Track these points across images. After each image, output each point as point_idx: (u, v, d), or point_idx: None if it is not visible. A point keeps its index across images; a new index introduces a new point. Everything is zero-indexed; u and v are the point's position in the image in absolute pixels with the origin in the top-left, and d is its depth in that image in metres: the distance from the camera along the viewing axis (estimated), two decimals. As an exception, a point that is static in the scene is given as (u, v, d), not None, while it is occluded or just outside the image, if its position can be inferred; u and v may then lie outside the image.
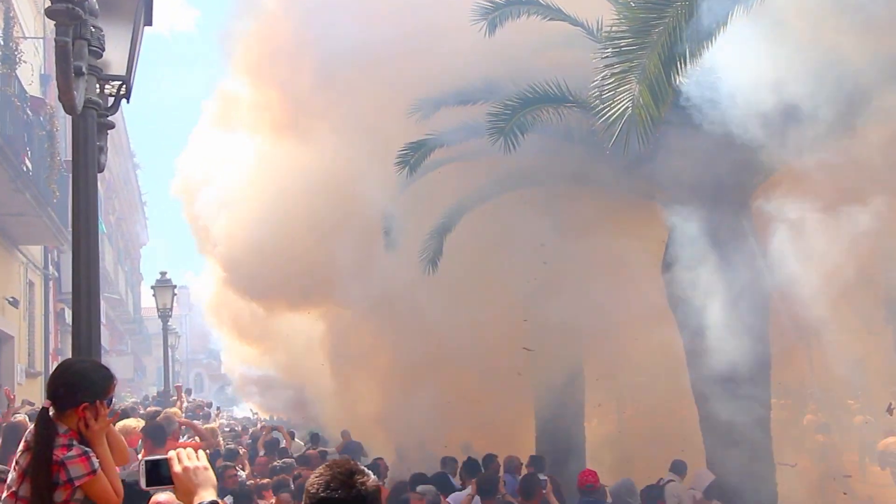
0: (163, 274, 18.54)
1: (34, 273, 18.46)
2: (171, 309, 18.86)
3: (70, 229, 15.60)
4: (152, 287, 18.67)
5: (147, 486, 2.80)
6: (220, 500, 2.66)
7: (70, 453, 3.79)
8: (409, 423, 16.98)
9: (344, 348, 19.64)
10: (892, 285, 15.08)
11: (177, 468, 2.64)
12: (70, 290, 16.86)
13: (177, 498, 2.74)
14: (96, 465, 3.83)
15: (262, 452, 13.19)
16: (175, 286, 18.47)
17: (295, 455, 12.39)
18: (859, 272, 15.03)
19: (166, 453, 2.76)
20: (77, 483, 3.77)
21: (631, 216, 15.19)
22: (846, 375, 24.20)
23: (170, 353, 21.66)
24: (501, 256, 15.20)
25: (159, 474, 2.72)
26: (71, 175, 15.13)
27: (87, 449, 3.86)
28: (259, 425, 21.79)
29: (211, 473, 2.71)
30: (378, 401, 18.91)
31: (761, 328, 13.13)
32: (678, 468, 12.65)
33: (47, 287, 19.75)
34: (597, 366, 18.01)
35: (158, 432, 8.26)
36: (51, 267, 19.92)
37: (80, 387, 3.96)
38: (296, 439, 14.90)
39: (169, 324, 19.56)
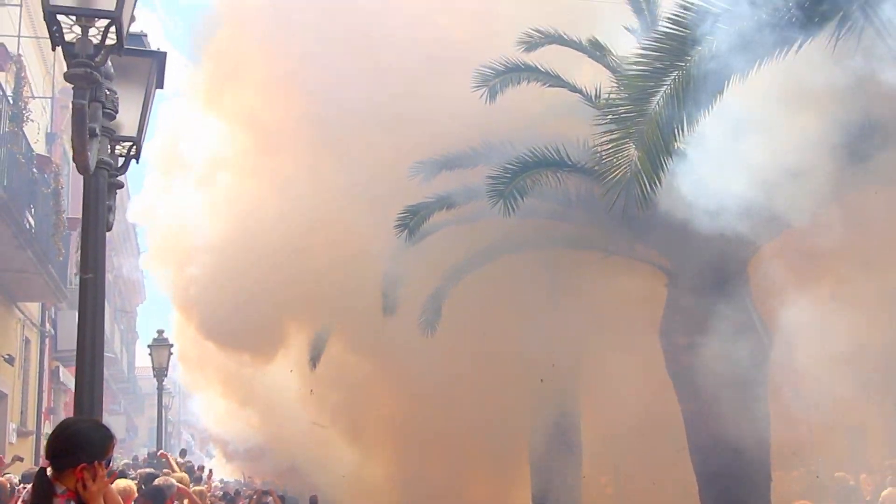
0: (160, 332, 18.48)
1: (31, 330, 18.39)
2: (166, 368, 18.74)
3: (69, 287, 15.60)
4: (148, 346, 18.58)
5: None
6: None
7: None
8: (406, 487, 16.77)
9: (340, 413, 19.47)
10: (890, 353, 15.12)
11: None
12: (66, 348, 16.79)
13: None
14: None
15: (254, 517, 13.00)
16: (171, 345, 18.38)
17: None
18: (859, 340, 15.11)
19: None
20: None
21: (630, 281, 15.25)
22: (847, 444, 24.12)
23: (163, 414, 21.47)
24: (500, 320, 15.21)
25: None
26: (72, 233, 15.18)
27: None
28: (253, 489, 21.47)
29: None
30: (374, 465, 18.68)
31: (761, 398, 13.09)
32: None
33: (43, 345, 19.66)
34: (595, 429, 17.89)
35: (159, 495, 8.24)
36: (47, 324, 19.86)
37: (79, 447, 3.93)
38: None
39: (164, 383, 19.43)
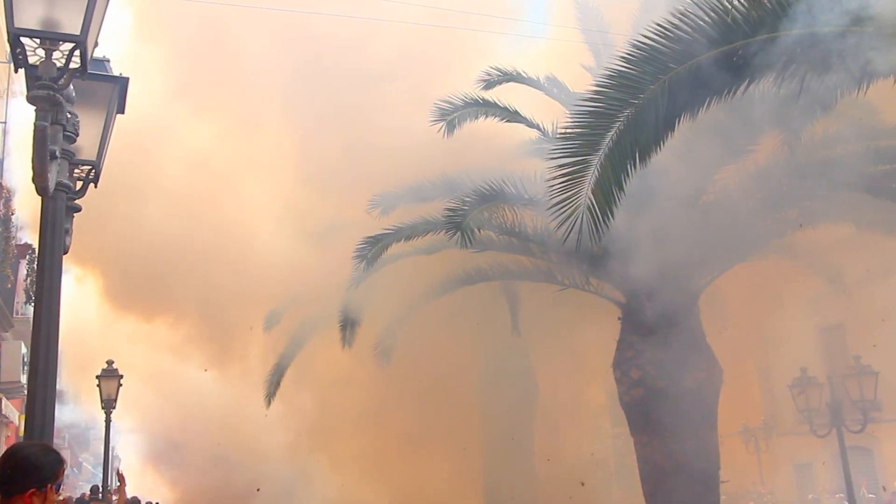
0: (109, 363, 18.06)
1: (-27, 359, 17.90)
2: (115, 400, 18.27)
3: (15, 316, 15.25)
4: (97, 376, 18.11)
5: None
6: None
7: None
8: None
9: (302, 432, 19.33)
10: (836, 387, 15.51)
11: None
12: (9, 379, 16.34)
13: None
14: None
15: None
16: (121, 376, 17.96)
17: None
18: (805, 372, 15.51)
19: None
20: None
21: (585, 313, 15.46)
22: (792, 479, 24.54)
23: (111, 447, 20.92)
24: (457, 349, 15.30)
25: None
26: (21, 260, 14.86)
27: None
28: None
29: None
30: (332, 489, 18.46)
31: (711, 429, 13.28)
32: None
33: (-15, 375, 19.11)
34: (548, 462, 17.99)
35: None
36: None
37: (28, 472, 3.86)
38: None
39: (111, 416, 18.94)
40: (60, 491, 4.14)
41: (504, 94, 14.13)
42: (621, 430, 22.46)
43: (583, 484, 16.32)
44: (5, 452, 4.17)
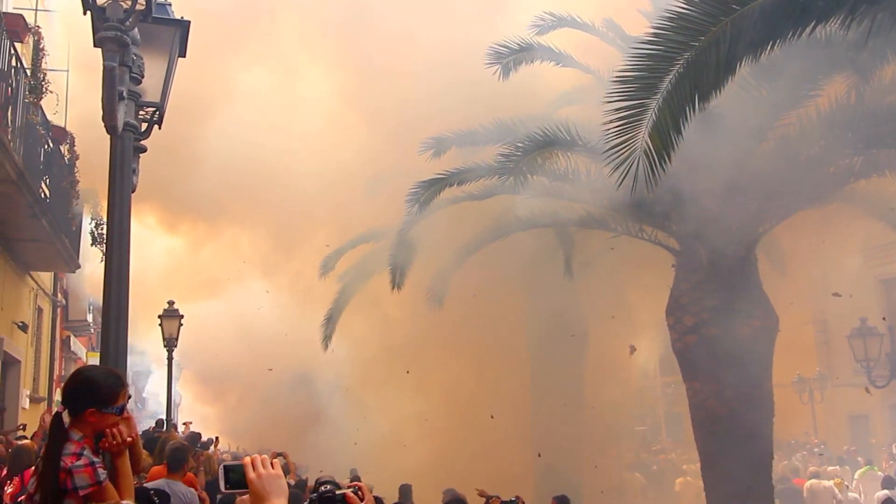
0: (170, 303, 18.63)
1: (43, 299, 18.60)
2: (176, 339, 18.89)
3: (80, 258, 15.75)
4: (159, 316, 18.73)
5: (226, 489, 2.95)
6: None
7: (77, 463, 3.81)
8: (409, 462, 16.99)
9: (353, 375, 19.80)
10: None
11: (251, 474, 2.73)
12: (76, 318, 16.95)
13: (251, 502, 2.88)
14: (102, 477, 3.86)
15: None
16: (182, 316, 18.53)
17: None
18: (865, 322, 15.27)
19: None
20: (81, 493, 3.79)
21: (639, 261, 15.38)
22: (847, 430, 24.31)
23: (173, 384, 21.68)
24: (508, 294, 15.38)
25: (234, 479, 2.86)
26: (85, 204, 15.29)
27: (95, 460, 3.88)
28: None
29: (283, 482, 2.79)
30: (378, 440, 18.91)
31: (765, 380, 13.19)
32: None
33: (55, 314, 19.88)
34: (599, 410, 18.12)
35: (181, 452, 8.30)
36: (59, 294, 20.07)
37: (89, 392, 3.96)
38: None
39: (173, 354, 19.60)
40: (124, 414, 4.28)
41: (558, 40, 13.93)
42: (672, 378, 22.50)
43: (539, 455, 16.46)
44: (71, 374, 4.35)
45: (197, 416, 26.65)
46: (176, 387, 28.10)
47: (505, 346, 16.94)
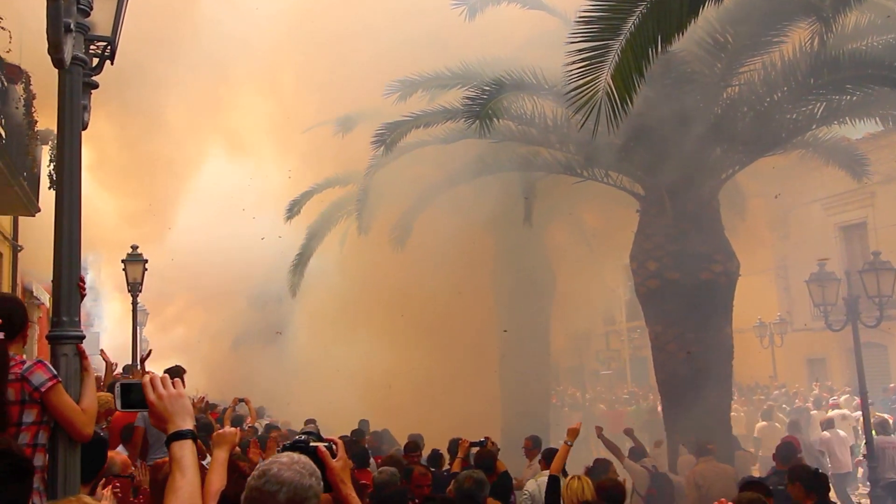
0: (133, 248, 18.41)
1: (2, 243, 18.30)
2: (140, 284, 18.70)
3: (40, 202, 15.41)
4: (122, 261, 18.51)
5: (122, 408, 2.85)
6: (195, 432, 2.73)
7: (27, 364, 3.96)
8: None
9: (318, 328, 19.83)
10: (854, 283, 15.53)
11: (151, 395, 2.61)
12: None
13: (152, 424, 2.77)
14: (55, 371, 4.01)
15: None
16: (146, 260, 18.32)
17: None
18: (823, 267, 15.54)
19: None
20: (43, 389, 3.91)
21: (604, 206, 15.47)
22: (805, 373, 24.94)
23: (139, 331, 21.55)
24: (473, 240, 15.42)
25: (133, 398, 2.74)
26: (43, 146, 14.91)
27: (41, 359, 4.07)
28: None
29: (187, 402, 2.67)
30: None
31: (725, 324, 13.43)
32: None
33: (15, 259, 19.57)
34: (564, 353, 18.37)
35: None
36: (19, 239, 19.73)
37: (17, 312, 4.22)
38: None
39: (138, 300, 19.43)
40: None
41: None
42: (638, 323, 22.84)
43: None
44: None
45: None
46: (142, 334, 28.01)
47: (471, 291, 17.02)
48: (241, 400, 12.65)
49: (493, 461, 8.01)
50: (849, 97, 12.42)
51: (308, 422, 14.98)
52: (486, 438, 8.84)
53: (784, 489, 6.94)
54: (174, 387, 2.66)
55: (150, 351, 13.45)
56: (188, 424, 2.63)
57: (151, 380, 2.68)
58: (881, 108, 13.09)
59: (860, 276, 14.97)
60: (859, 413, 15.16)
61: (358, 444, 10.09)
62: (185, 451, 2.56)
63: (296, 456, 2.58)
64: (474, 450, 8.50)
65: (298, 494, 2.40)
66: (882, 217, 22.02)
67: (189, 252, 21.92)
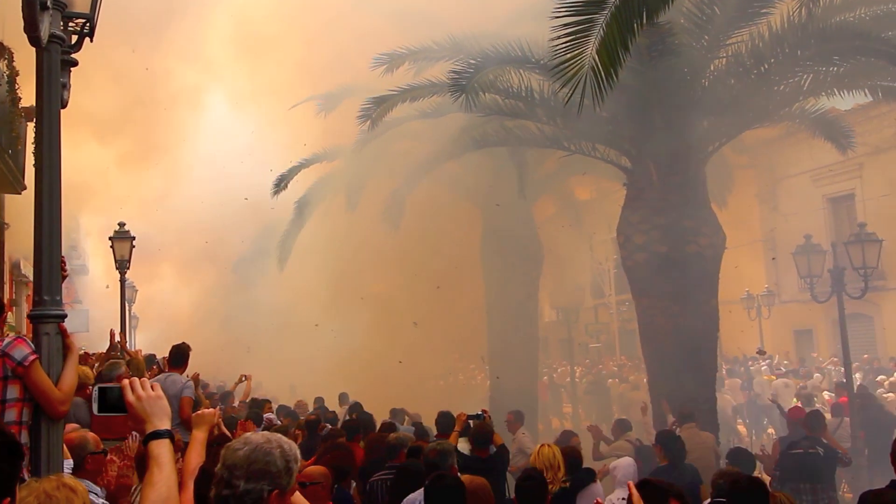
0: (121, 225, 18.32)
1: (-10, 221, 18.18)
2: (128, 261, 18.63)
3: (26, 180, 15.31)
4: (110, 238, 18.42)
5: (99, 412, 2.84)
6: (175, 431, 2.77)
7: (7, 341, 4.06)
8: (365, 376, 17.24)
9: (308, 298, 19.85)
10: (839, 254, 15.62)
11: (130, 397, 2.68)
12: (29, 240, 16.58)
13: (130, 426, 2.82)
14: (34, 346, 4.08)
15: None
16: (134, 237, 18.23)
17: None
18: (810, 239, 15.63)
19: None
20: (26, 363, 4.00)
21: (592, 179, 15.48)
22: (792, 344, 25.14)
23: (127, 308, 21.50)
24: (461, 214, 15.43)
25: (111, 401, 2.78)
26: (29, 123, 14.77)
27: (21, 335, 4.09)
28: None
29: (165, 404, 2.74)
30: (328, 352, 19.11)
31: (711, 296, 13.48)
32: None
33: (2, 236, 19.47)
34: (553, 327, 18.45)
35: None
36: (5, 217, 19.60)
37: None
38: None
39: (126, 277, 19.37)
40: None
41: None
42: (626, 296, 22.94)
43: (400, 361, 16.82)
44: None
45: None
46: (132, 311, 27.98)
47: (460, 266, 17.06)
48: (245, 377, 12.79)
49: (491, 434, 8.10)
50: (836, 68, 12.41)
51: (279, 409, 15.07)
52: (484, 411, 8.91)
53: (816, 452, 8.25)
54: (152, 389, 2.76)
55: (122, 335, 13.42)
56: (165, 424, 2.73)
57: (130, 382, 2.76)
58: (869, 79, 13.10)
59: (846, 247, 15.08)
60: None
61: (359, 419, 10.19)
62: (163, 448, 2.67)
63: (278, 434, 2.63)
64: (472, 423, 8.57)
65: (257, 454, 2.47)
66: (870, 189, 22.10)
67: (178, 225, 21.93)
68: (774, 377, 19.06)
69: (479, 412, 8.80)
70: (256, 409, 10.92)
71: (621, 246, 14.10)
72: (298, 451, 2.61)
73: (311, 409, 13.84)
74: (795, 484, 8.33)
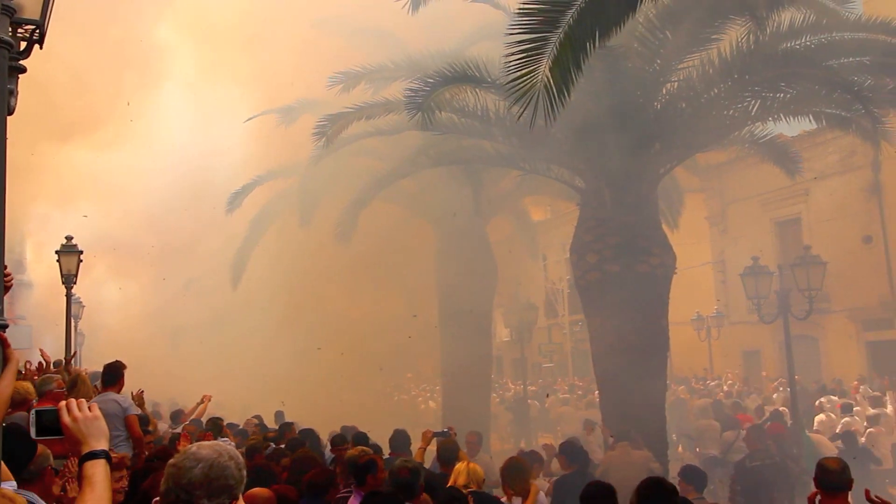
0: (68, 239, 17.92)
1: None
2: (75, 276, 18.22)
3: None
4: (56, 252, 18.00)
5: (37, 435, 2.80)
6: (112, 451, 2.72)
7: None
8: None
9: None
10: (786, 276, 15.97)
11: (66, 419, 2.64)
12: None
13: (68, 447, 2.75)
14: None
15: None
16: (81, 252, 17.84)
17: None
18: (757, 261, 15.96)
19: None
20: None
21: (545, 197, 15.62)
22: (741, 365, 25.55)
23: (73, 324, 21.03)
24: (415, 232, 15.45)
25: (47, 424, 2.74)
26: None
27: None
28: None
29: (103, 424, 2.71)
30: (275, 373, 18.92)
31: (660, 318, 13.65)
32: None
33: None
34: (506, 346, 18.51)
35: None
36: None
37: None
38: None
39: (73, 292, 18.95)
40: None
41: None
42: (580, 316, 23.13)
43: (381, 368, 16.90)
44: None
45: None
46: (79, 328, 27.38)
47: (414, 283, 17.07)
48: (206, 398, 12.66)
49: (457, 451, 8.04)
50: (783, 95, 12.75)
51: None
52: (449, 429, 8.89)
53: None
54: (89, 410, 2.71)
55: (76, 353, 13.22)
56: (102, 445, 2.69)
57: (67, 403, 2.71)
58: (815, 105, 13.46)
59: (792, 270, 15.43)
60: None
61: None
62: (97, 469, 2.64)
63: (221, 442, 2.61)
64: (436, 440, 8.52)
65: (214, 471, 2.43)
66: (815, 213, 22.67)
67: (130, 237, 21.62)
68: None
69: (445, 429, 8.80)
70: (216, 420, 10.72)
71: (574, 265, 14.24)
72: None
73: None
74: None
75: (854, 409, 15.22)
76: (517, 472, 7.11)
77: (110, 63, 19.22)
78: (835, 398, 16.67)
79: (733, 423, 13.89)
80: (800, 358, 17.86)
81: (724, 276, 25.26)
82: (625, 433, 10.53)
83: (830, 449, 12.24)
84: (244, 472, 2.53)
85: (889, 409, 14.76)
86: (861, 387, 18.22)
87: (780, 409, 15.64)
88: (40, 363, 10.64)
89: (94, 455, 2.64)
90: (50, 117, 18.51)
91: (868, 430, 13.70)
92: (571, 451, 8.85)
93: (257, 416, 14.56)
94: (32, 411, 2.82)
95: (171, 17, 19.97)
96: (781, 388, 19.91)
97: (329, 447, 9.77)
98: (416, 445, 8.97)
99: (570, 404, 20.22)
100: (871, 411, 14.47)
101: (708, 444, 14.51)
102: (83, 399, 2.75)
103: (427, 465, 8.22)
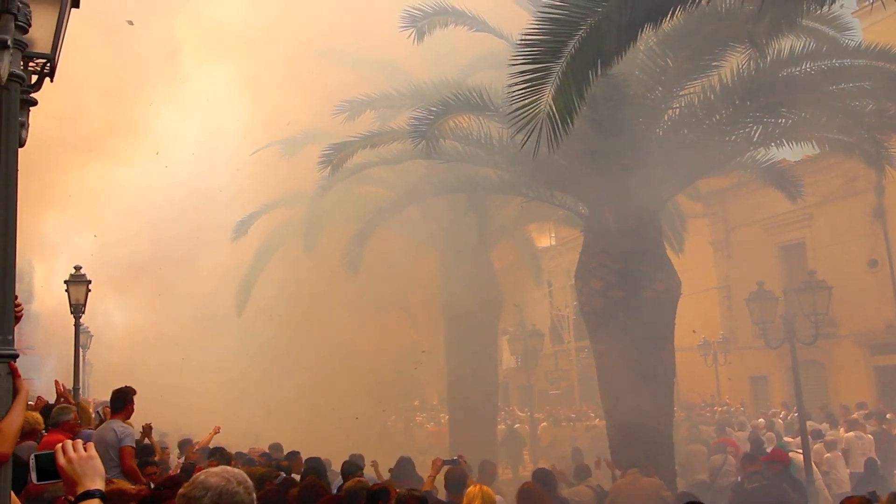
0: (77, 269, 18.04)
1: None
2: (83, 305, 18.31)
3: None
4: (65, 282, 18.11)
5: (38, 480, 2.80)
6: (106, 489, 2.75)
7: None
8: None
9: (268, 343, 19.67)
10: (791, 301, 15.95)
11: (61, 461, 2.67)
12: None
13: (63, 489, 2.78)
14: None
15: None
16: (89, 281, 17.94)
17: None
18: (762, 286, 15.94)
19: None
20: None
21: (549, 223, 15.67)
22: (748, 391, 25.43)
23: (80, 353, 21.06)
24: (421, 259, 15.50)
25: (46, 467, 2.75)
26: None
27: None
28: None
29: (98, 464, 2.73)
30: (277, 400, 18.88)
31: (665, 344, 13.64)
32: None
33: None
34: (513, 373, 18.46)
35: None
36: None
37: None
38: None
39: (81, 321, 19.02)
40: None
41: (472, 3, 14.01)
42: (586, 343, 23.08)
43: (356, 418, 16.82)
44: None
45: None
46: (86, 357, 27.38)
47: (420, 312, 17.09)
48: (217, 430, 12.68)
49: (465, 479, 8.00)
50: (784, 120, 12.83)
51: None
52: (459, 457, 8.85)
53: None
54: (85, 450, 2.75)
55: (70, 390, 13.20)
56: (97, 484, 2.71)
57: (63, 446, 2.74)
58: (817, 131, 13.55)
59: (797, 294, 15.41)
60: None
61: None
62: None
63: (228, 468, 2.64)
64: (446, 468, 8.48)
65: (224, 499, 2.46)
66: (819, 237, 22.67)
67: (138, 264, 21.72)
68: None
69: (455, 457, 8.77)
70: (221, 450, 10.72)
71: (579, 291, 14.26)
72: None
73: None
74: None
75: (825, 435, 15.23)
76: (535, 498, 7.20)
77: (116, 88, 19.39)
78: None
79: (720, 448, 13.91)
80: (807, 384, 17.75)
81: (730, 301, 25.20)
82: (633, 461, 10.46)
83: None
84: (254, 496, 2.56)
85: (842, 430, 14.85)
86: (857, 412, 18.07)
87: (786, 439, 15.59)
88: (57, 397, 10.66)
89: (88, 495, 2.66)
90: (57, 144, 18.70)
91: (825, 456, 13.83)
92: (542, 479, 8.60)
93: (265, 455, 14.51)
94: (32, 456, 2.84)
95: (179, 45, 20.20)
96: (784, 414, 19.87)
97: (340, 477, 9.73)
98: (424, 473, 8.95)
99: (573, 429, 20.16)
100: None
101: (696, 469, 14.53)
102: (79, 440, 2.79)
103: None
